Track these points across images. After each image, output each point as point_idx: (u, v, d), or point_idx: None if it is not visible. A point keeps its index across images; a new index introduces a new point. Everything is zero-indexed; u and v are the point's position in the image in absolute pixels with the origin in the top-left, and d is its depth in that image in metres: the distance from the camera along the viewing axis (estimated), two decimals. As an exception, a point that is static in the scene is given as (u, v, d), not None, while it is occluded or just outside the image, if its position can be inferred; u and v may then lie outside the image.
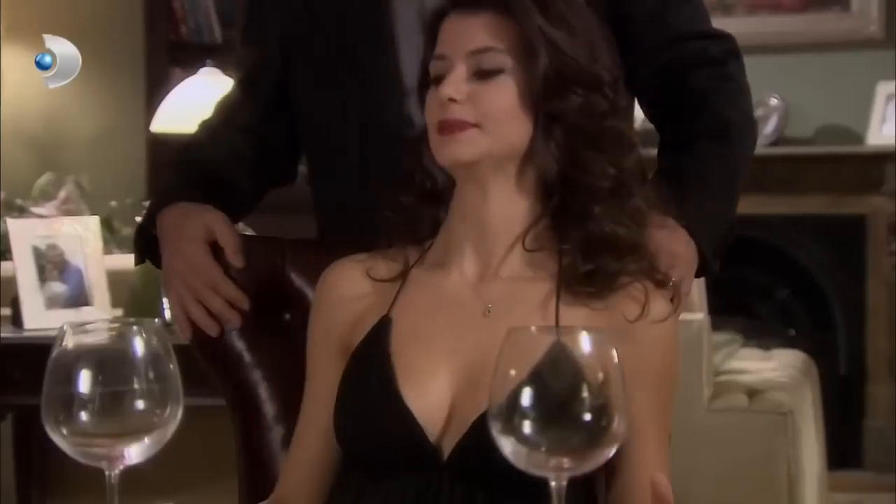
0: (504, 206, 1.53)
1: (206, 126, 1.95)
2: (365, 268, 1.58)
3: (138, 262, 1.85)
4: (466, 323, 1.53)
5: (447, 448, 1.48)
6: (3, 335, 3.26)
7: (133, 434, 1.19)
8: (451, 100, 1.48)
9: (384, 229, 1.60)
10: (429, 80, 1.53)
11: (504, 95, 1.49)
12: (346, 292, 1.58)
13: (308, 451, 1.58)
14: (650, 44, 1.84)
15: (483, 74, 1.49)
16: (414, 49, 1.66)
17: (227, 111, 1.95)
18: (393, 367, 1.51)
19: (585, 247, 1.50)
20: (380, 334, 1.54)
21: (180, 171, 1.89)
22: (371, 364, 1.52)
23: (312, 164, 1.94)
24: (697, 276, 1.71)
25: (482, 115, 1.49)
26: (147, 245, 1.81)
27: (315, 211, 1.93)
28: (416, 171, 1.57)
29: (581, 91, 1.50)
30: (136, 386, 1.19)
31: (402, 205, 1.58)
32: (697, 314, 3.59)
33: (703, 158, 1.78)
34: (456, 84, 1.49)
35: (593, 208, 1.50)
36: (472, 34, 1.50)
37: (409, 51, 1.73)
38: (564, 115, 1.50)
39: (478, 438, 1.44)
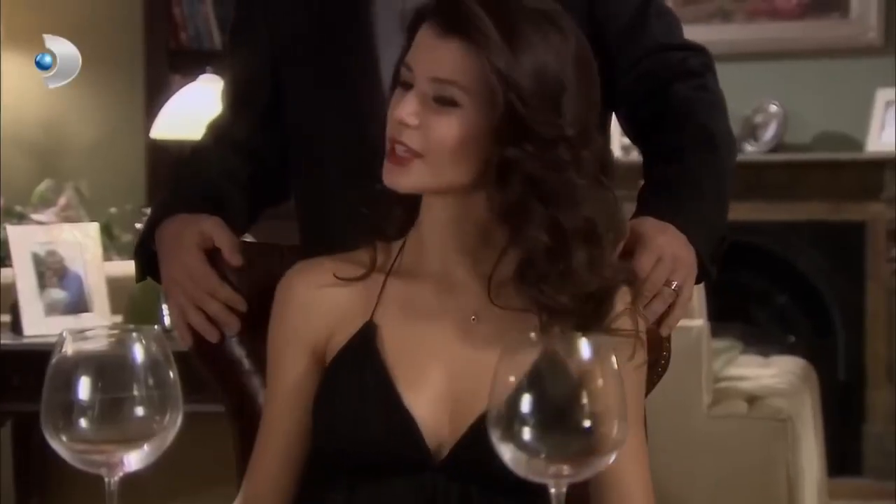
0: (462, 227, 1.54)
1: (198, 147, 1.95)
2: (333, 271, 1.59)
3: (139, 279, 1.86)
4: (454, 329, 1.54)
5: (444, 451, 1.51)
6: (2, 342, 3.26)
7: (132, 441, 1.19)
8: (403, 123, 1.48)
9: (358, 226, 1.60)
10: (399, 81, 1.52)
11: (452, 131, 1.46)
12: (316, 295, 1.58)
13: (277, 449, 1.60)
14: (630, 53, 1.85)
15: (440, 102, 1.47)
16: (395, 59, 1.65)
17: (218, 130, 1.94)
18: (389, 371, 1.52)
19: (546, 312, 1.50)
20: (367, 339, 1.55)
21: (177, 187, 1.90)
22: (364, 369, 1.54)
23: (297, 169, 1.93)
24: (696, 282, 1.72)
25: (427, 145, 1.47)
26: (147, 261, 1.82)
27: (298, 220, 1.94)
28: None
29: (538, 143, 1.45)
30: (135, 393, 1.19)
31: (379, 200, 1.58)
32: (697, 320, 3.59)
33: (693, 167, 1.78)
34: (411, 107, 1.47)
35: (527, 272, 1.49)
36: (439, 60, 1.46)
37: (391, 60, 1.73)
38: (519, 165, 1.46)
39: (476, 441, 1.45)
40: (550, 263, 1.48)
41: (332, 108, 1.85)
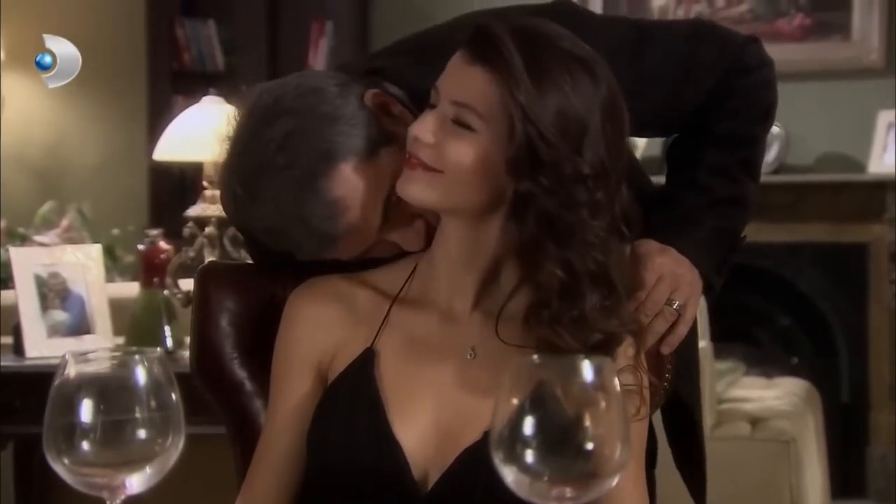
0: (473, 260, 1.54)
1: None
2: (342, 291, 1.60)
3: None
4: (450, 362, 1.55)
5: (430, 483, 1.51)
6: (4, 363, 3.26)
7: (134, 463, 1.19)
8: (419, 140, 1.50)
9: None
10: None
11: (465, 154, 1.47)
12: (324, 314, 1.60)
13: (273, 464, 1.60)
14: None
15: (457, 124, 1.48)
16: None
17: None
18: (382, 399, 1.53)
19: (548, 352, 1.49)
20: (365, 365, 1.56)
21: None
22: (359, 395, 1.54)
23: None
24: (701, 292, 1.71)
25: (443, 164, 1.48)
26: None
27: None
28: None
29: (553, 179, 1.45)
30: (137, 415, 1.19)
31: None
32: (700, 342, 3.57)
33: (705, 170, 1.76)
34: (428, 125, 1.49)
35: (541, 311, 1.48)
36: (462, 84, 1.48)
37: None
38: (534, 199, 1.46)
39: (460, 475, 1.48)
40: (564, 305, 1.47)
41: None
